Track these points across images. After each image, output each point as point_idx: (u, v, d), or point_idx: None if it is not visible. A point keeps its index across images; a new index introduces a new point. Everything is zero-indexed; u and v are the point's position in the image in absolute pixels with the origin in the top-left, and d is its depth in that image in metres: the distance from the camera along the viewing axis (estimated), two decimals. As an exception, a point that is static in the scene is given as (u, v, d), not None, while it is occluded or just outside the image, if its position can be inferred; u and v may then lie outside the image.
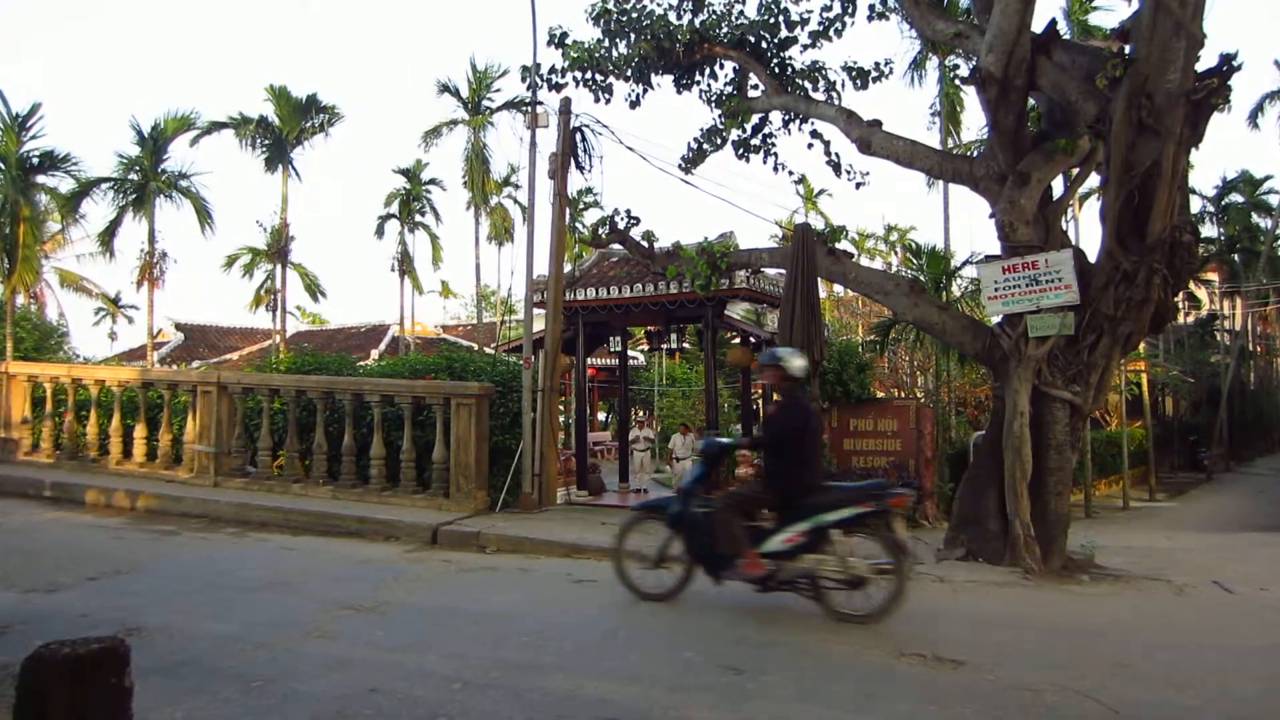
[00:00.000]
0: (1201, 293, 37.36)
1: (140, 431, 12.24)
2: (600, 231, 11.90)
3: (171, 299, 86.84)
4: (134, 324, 43.86)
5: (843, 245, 10.65)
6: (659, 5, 11.37)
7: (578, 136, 12.27)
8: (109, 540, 8.63)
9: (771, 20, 11.08)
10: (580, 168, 12.37)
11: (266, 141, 30.05)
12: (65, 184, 26.41)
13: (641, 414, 17.43)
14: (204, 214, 28.60)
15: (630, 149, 12.39)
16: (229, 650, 5.00)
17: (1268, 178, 36.24)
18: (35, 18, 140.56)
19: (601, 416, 33.36)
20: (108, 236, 27.76)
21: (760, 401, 18.89)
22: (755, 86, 11.62)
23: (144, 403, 12.37)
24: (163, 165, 28.15)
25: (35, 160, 24.71)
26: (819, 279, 10.47)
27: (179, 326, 34.11)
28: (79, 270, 32.33)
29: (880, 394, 18.18)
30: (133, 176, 27.72)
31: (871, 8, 11.11)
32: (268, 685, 4.44)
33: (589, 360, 17.21)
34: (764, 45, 11.23)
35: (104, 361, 29.17)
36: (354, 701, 4.23)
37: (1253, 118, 33.09)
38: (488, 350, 23.32)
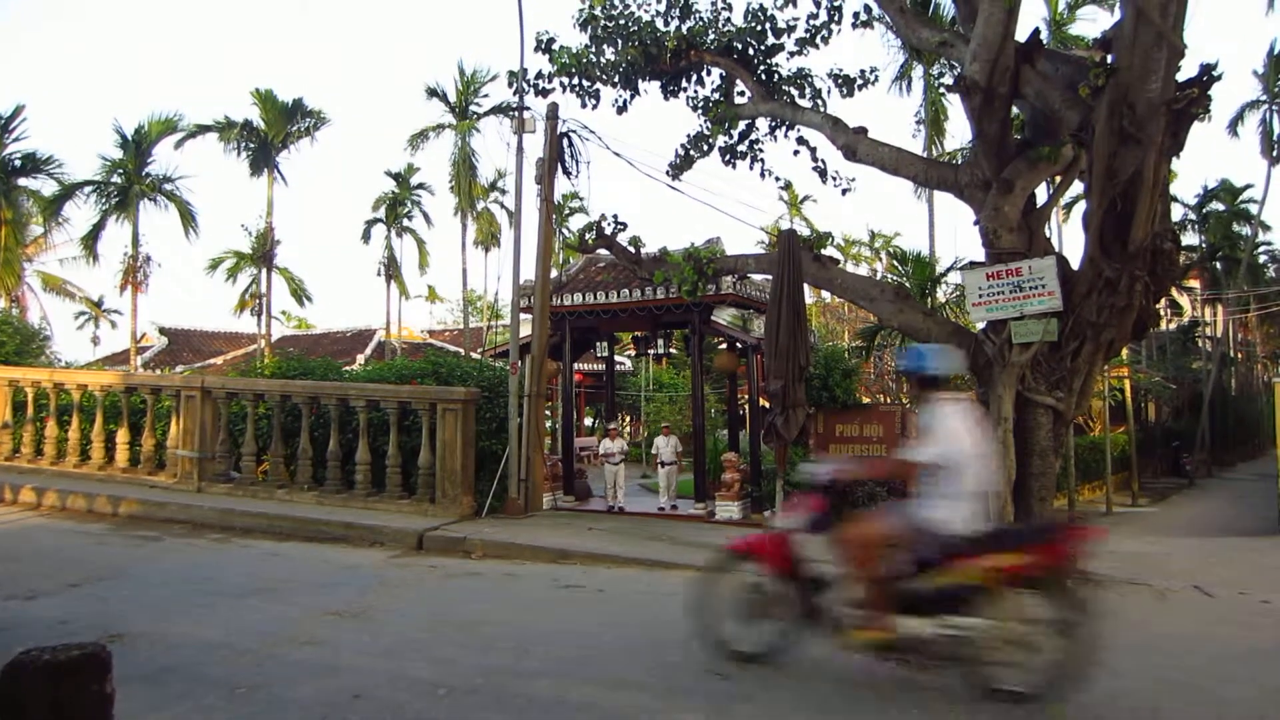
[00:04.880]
0: (1183, 299, 37.75)
1: (123, 436, 12.14)
2: (587, 236, 11.92)
3: (155, 303, 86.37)
4: (117, 328, 43.54)
5: (828, 251, 10.70)
6: (646, 11, 11.40)
7: (565, 142, 12.29)
8: (91, 546, 8.55)
9: (758, 27, 11.13)
10: (567, 173, 12.39)
11: (251, 145, 29.93)
12: (48, 186, 26.32)
13: (612, 424, 16.79)
14: (188, 218, 28.52)
15: (618, 154, 12.47)
16: (213, 656, 4.96)
17: (1248, 186, 36.64)
18: (17, 17, 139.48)
19: (588, 422, 33.36)
20: (91, 240, 27.62)
21: (747, 407, 18.92)
22: (742, 93, 11.67)
23: (127, 407, 12.27)
24: (147, 168, 28.04)
25: (17, 162, 24.57)
26: (805, 285, 10.51)
27: (163, 331, 33.88)
28: (62, 274, 32.19)
29: (866, 399, 18.24)
30: (116, 179, 27.61)
31: (856, 15, 11.17)
32: (252, 692, 4.41)
33: (576, 365, 17.20)
34: (751, 52, 11.28)
35: (87, 366, 28.88)
36: (339, 708, 4.21)
37: (1232, 127, 33.50)
38: (474, 355, 23.26)
